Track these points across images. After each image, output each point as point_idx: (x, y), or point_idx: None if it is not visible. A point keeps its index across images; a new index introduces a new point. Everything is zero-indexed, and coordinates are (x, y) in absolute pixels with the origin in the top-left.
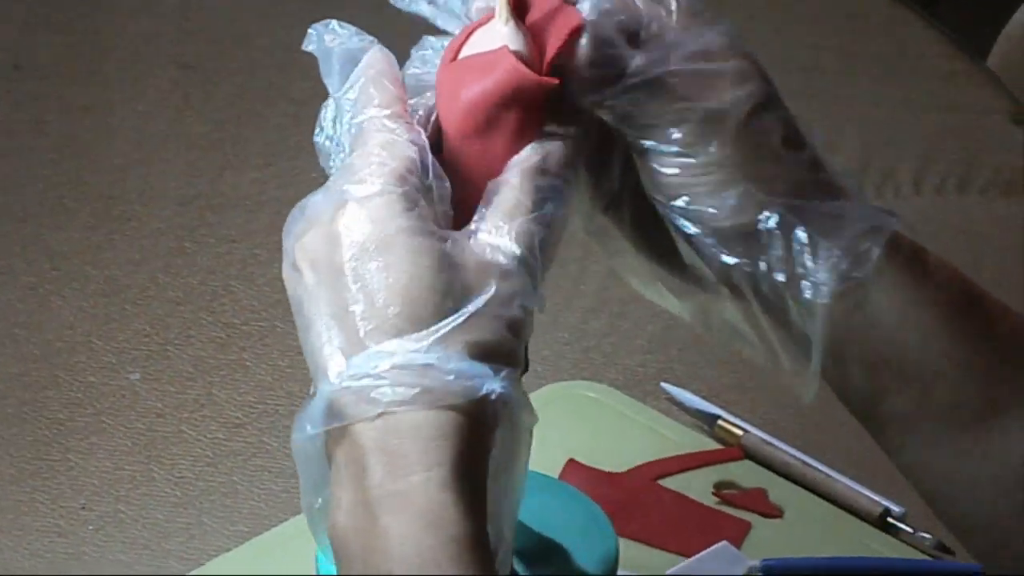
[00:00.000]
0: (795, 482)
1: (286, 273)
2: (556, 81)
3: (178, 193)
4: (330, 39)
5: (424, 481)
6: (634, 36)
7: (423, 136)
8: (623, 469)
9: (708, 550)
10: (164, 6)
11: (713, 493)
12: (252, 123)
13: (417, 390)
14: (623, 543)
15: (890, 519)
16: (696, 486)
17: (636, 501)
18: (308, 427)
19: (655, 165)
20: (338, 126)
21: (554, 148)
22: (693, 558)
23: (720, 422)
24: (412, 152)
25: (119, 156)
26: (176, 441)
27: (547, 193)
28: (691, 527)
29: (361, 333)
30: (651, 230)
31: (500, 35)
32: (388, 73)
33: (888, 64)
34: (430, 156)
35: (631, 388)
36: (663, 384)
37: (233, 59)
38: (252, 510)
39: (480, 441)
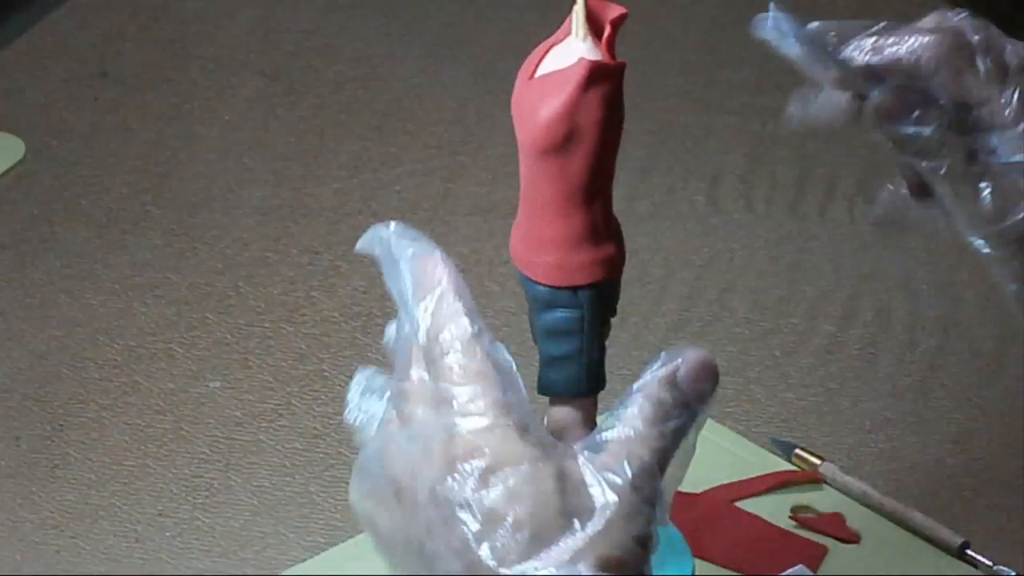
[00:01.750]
0: (874, 510)
1: (366, 504)
2: (624, 62)
3: (261, 203)
4: (394, 243)
5: None
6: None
7: (507, 354)
8: (700, 490)
9: (784, 574)
10: (248, 17)
11: (790, 517)
12: (335, 134)
13: None
14: (699, 564)
15: (969, 551)
16: (773, 509)
17: (713, 522)
18: None
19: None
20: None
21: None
22: None
23: (798, 450)
24: (509, 373)
25: (203, 165)
26: (254, 450)
27: (671, 410)
28: (767, 550)
29: (492, 562)
30: None
31: (577, 51)
32: (462, 286)
33: None
34: (519, 378)
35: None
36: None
37: (317, 71)
38: (329, 521)
39: None
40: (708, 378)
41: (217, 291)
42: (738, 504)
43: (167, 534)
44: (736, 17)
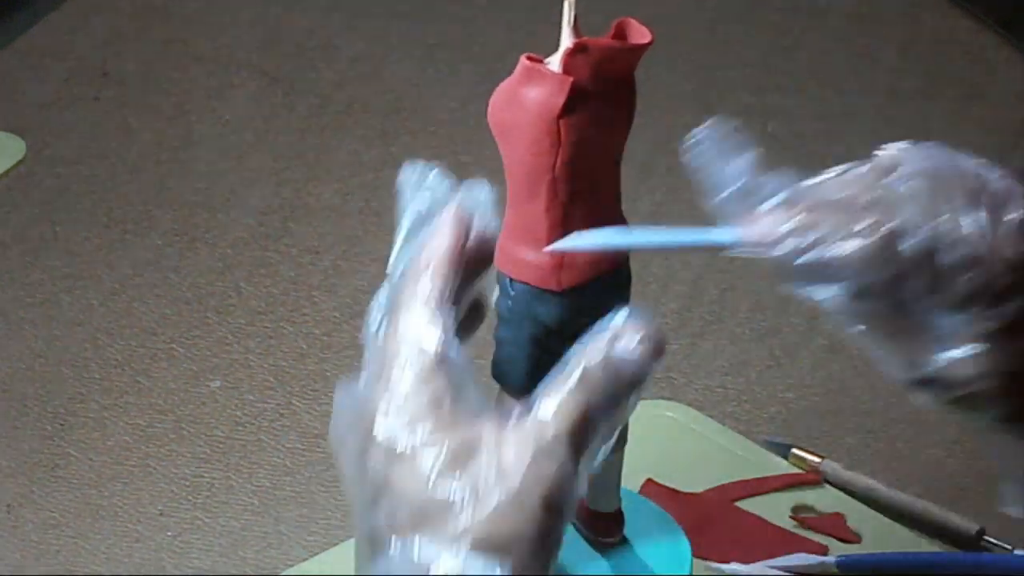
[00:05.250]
0: (877, 507)
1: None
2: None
3: (261, 202)
4: (416, 187)
5: None
6: None
7: (455, 338)
8: (701, 490)
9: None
10: (248, 17)
11: (791, 517)
12: (336, 134)
13: None
14: (699, 564)
15: (987, 537)
16: (774, 509)
17: (713, 522)
18: None
19: None
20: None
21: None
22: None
23: (794, 449)
24: (438, 363)
25: (203, 164)
26: (255, 450)
27: (599, 384)
28: (768, 550)
29: (385, 534)
30: None
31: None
32: (449, 258)
33: (971, 88)
34: (458, 358)
35: (710, 409)
36: None
37: (317, 70)
38: (329, 520)
39: None
40: (645, 357)
41: (217, 291)
42: (738, 504)
43: (167, 534)
44: (736, 17)
